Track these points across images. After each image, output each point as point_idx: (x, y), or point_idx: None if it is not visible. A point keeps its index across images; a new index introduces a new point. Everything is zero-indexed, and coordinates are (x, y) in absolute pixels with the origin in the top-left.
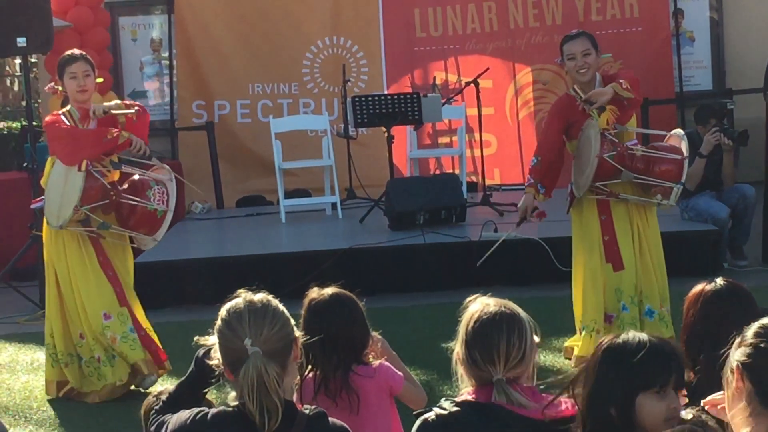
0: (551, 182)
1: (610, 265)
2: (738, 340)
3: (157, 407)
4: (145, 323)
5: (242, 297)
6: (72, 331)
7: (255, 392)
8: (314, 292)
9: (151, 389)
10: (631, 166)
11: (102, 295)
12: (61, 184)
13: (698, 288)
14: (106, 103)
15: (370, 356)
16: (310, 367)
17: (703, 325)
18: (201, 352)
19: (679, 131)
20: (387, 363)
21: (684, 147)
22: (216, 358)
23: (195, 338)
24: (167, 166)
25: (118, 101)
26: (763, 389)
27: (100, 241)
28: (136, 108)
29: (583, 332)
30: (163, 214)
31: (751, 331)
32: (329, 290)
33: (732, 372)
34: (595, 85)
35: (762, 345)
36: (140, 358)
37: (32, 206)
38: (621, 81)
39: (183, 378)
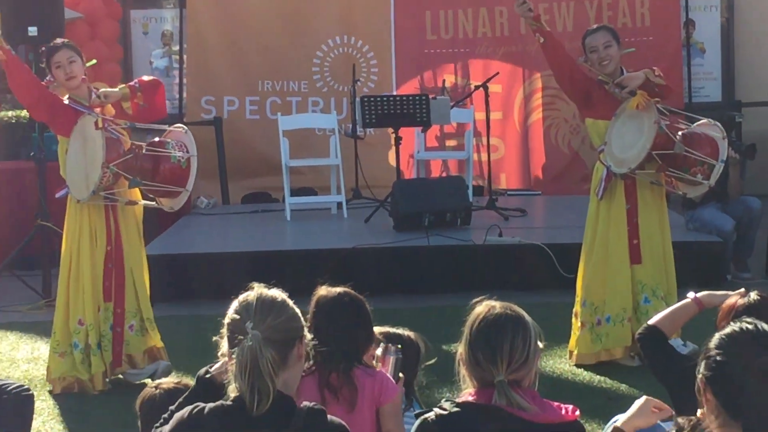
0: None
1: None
2: (702, 352)
3: (157, 425)
4: (147, 312)
5: (255, 290)
6: (72, 317)
7: (247, 372)
8: (323, 290)
9: (147, 380)
10: (679, 140)
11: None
12: (81, 156)
13: (731, 300)
14: (104, 90)
15: (372, 362)
16: (310, 363)
17: None
18: (202, 371)
19: (710, 120)
20: (386, 372)
21: (719, 129)
22: (223, 348)
23: (214, 338)
24: (180, 124)
25: (116, 88)
26: (726, 401)
27: (117, 220)
28: (122, 86)
29: (608, 322)
30: (187, 164)
31: (712, 343)
32: (338, 289)
33: (698, 386)
34: (618, 76)
35: (719, 358)
36: (108, 360)
37: (57, 195)
38: (654, 68)
39: (185, 394)
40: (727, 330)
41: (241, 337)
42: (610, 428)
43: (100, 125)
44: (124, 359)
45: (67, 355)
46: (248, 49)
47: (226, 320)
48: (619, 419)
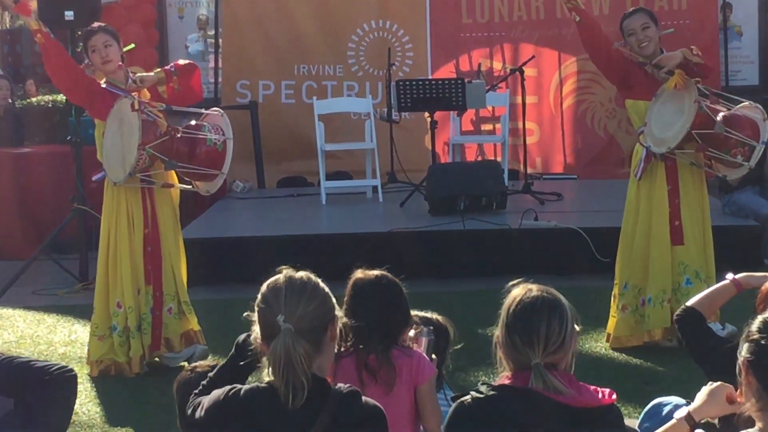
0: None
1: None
2: (744, 335)
3: (196, 391)
4: (184, 295)
5: (283, 273)
6: (111, 300)
7: (282, 368)
8: (360, 273)
9: (183, 363)
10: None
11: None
12: (117, 138)
13: None
14: (140, 74)
15: (409, 343)
16: (348, 344)
17: None
18: (242, 337)
19: (751, 102)
20: (421, 352)
21: (760, 111)
22: (255, 333)
23: (245, 314)
24: (217, 108)
25: (152, 73)
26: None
27: (154, 203)
28: (157, 71)
29: (650, 303)
30: (223, 147)
31: (754, 326)
32: (375, 272)
33: (740, 368)
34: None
35: (764, 341)
36: (147, 343)
37: (93, 178)
38: (692, 47)
39: (223, 362)
40: None
41: (274, 330)
42: (674, 420)
43: (137, 107)
44: (162, 342)
45: (106, 338)
46: (283, 33)
47: (257, 307)
48: (690, 406)
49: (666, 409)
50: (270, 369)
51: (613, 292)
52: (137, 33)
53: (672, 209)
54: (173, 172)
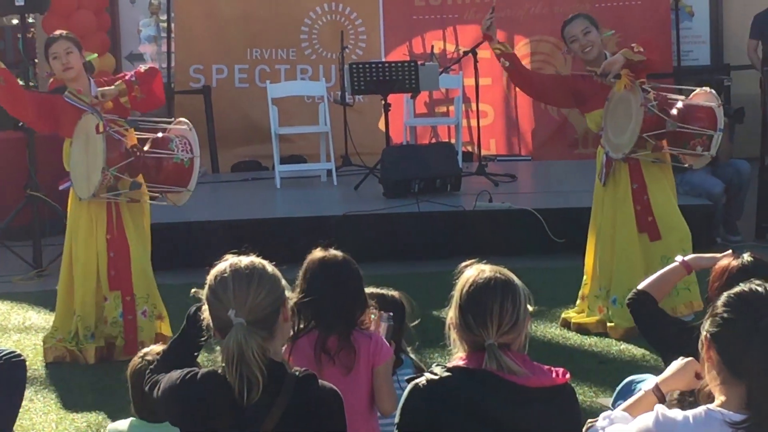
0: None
1: (645, 234)
2: (709, 311)
3: (152, 366)
4: (155, 299)
5: (229, 263)
6: (70, 309)
7: (235, 364)
8: (318, 252)
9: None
10: (671, 116)
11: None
12: (83, 156)
13: (724, 262)
14: (101, 90)
15: (368, 326)
16: (304, 326)
17: None
18: (192, 309)
19: (705, 88)
20: (380, 334)
21: (714, 98)
22: (206, 318)
23: (192, 290)
24: (185, 119)
25: (113, 87)
26: (730, 358)
27: (120, 209)
28: (119, 82)
29: (615, 304)
30: (190, 163)
31: (719, 301)
32: (333, 252)
33: (702, 343)
34: (603, 60)
35: (727, 315)
36: (120, 345)
37: (60, 188)
38: (633, 45)
39: (176, 335)
40: (737, 289)
41: (226, 324)
42: (641, 391)
43: (101, 129)
44: (138, 346)
45: (65, 341)
46: (236, 17)
47: (205, 299)
48: (657, 378)
49: (639, 386)
50: (223, 363)
51: (582, 292)
52: (89, 18)
53: (642, 206)
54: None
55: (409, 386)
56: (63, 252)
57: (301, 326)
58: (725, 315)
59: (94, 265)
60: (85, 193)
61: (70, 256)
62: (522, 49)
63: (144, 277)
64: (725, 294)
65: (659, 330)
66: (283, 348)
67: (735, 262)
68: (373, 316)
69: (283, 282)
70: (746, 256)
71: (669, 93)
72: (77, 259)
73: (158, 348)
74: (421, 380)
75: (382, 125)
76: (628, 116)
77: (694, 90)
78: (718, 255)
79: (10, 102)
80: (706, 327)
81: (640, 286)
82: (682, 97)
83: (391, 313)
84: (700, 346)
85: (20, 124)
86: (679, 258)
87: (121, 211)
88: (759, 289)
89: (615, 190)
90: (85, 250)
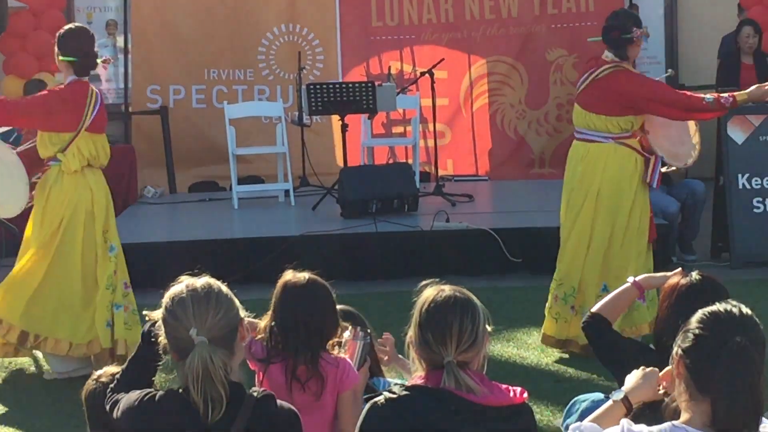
0: None
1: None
2: (683, 327)
3: (112, 386)
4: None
5: (184, 284)
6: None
7: (200, 382)
8: (290, 275)
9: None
10: None
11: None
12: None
13: (674, 281)
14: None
15: (336, 348)
16: (274, 351)
17: (677, 318)
18: (146, 327)
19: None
20: (348, 359)
21: None
22: (162, 340)
23: (143, 312)
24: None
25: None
26: (698, 375)
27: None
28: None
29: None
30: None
31: (694, 318)
32: (305, 275)
33: (674, 358)
34: None
35: (699, 332)
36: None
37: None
38: None
39: (133, 354)
40: (712, 308)
41: (186, 344)
42: (610, 401)
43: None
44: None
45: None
46: (193, 37)
47: (162, 321)
48: (625, 388)
49: (583, 405)
50: (185, 382)
51: (555, 293)
52: (45, 39)
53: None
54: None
55: (368, 405)
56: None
57: (272, 351)
58: (697, 331)
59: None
60: (15, 210)
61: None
62: (479, 69)
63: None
64: (700, 311)
65: (612, 351)
66: (256, 375)
67: (684, 281)
68: (347, 335)
69: (237, 303)
70: (694, 274)
71: None
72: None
73: (113, 369)
74: (380, 399)
75: (339, 146)
76: (684, 131)
77: None
78: (669, 274)
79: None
80: (678, 342)
81: (594, 309)
82: None
83: (368, 330)
84: (671, 360)
85: None
86: (630, 278)
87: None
88: (733, 309)
89: (644, 191)
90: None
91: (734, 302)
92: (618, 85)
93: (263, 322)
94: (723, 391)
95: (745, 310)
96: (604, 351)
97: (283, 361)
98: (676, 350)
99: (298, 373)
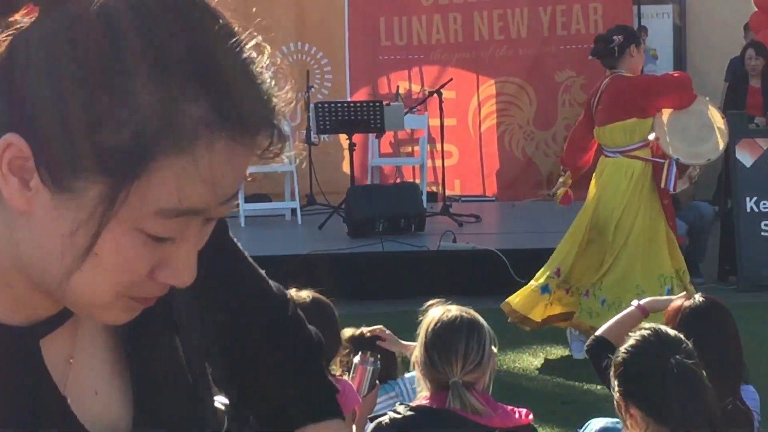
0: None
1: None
2: (612, 370)
3: None
4: None
5: None
6: None
7: None
8: (293, 293)
9: None
10: None
11: None
12: None
13: (677, 303)
14: None
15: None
16: None
17: None
18: None
19: None
20: (349, 381)
21: None
22: None
23: None
24: None
25: None
26: (651, 409)
27: None
28: None
29: (603, 305)
30: None
31: (618, 357)
32: (307, 293)
33: (618, 404)
34: None
35: (632, 369)
36: None
37: None
38: None
39: None
40: (629, 342)
41: None
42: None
43: None
44: None
45: None
46: None
47: None
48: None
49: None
50: None
51: (543, 282)
52: None
53: (668, 200)
54: None
55: (372, 425)
56: None
57: None
58: (631, 369)
59: None
60: None
61: None
62: (487, 90)
63: None
64: (621, 348)
65: None
66: None
67: (687, 303)
68: (356, 360)
69: None
70: (698, 297)
71: None
72: None
73: None
74: (384, 419)
75: (346, 165)
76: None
77: None
78: (673, 297)
79: None
80: (615, 386)
81: (599, 332)
82: None
83: (378, 355)
84: (616, 407)
85: None
86: (635, 302)
87: None
88: (650, 332)
89: (641, 193)
90: None
91: (648, 326)
92: (616, 87)
93: None
94: (678, 414)
95: (662, 329)
96: (607, 375)
97: None
98: (618, 395)
99: None
